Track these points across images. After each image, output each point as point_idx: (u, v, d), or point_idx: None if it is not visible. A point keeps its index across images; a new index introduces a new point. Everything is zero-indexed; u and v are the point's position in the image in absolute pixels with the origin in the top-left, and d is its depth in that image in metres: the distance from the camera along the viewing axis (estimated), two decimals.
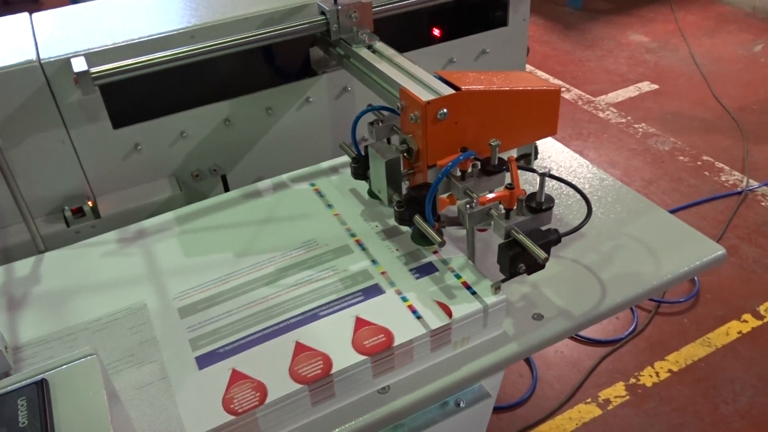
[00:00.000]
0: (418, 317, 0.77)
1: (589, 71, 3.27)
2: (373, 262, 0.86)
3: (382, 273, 0.84)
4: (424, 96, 0.82)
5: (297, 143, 1.20)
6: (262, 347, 0.74)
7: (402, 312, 0.78)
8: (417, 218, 0.82)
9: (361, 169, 0.94)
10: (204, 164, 1.14)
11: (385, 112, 0.99)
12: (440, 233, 0.85)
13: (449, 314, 0.77)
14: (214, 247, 0.92)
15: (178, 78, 1.06)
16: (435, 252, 0.87)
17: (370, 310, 0.78)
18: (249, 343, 0.75)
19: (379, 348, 0.73)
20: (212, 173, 1.15)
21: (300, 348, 0.73)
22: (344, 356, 0.73)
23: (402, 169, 0.88)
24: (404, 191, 0.89)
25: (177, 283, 0.85)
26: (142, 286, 0.85)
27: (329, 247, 0.89)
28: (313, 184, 1.03)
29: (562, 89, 3.12)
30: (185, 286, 0.84)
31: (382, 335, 0.75)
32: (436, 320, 0.76)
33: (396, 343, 0.74)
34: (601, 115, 2.89)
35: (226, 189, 1.18)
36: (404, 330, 0.75)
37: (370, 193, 0.98)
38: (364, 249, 0.88)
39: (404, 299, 0.80)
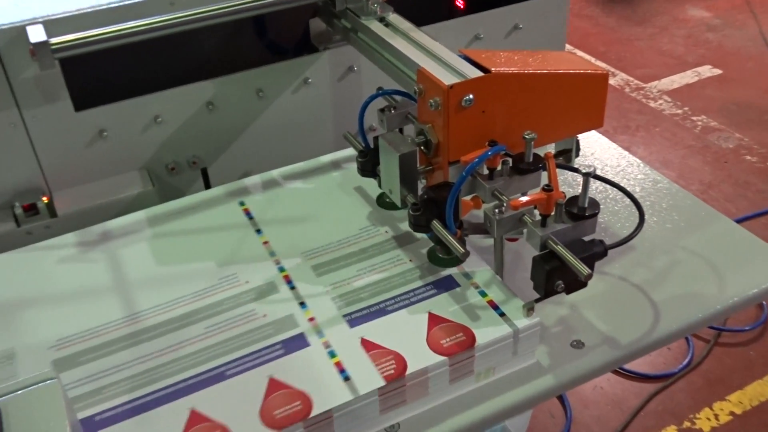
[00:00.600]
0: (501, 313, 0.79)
1: (639, 52, 3.28)
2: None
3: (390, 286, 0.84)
4: (447, 79, 0.83)
5: (292, 132, 1.21)
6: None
7: (414, 332, 0.78)
8: (436, 224, 0.83)
9: (369, 164, 0.95)
10: (181, 155, 1.15)
11: (399, 98, 0.99)
12: (463, 242, 0.85)
13: (472, 339, 0.77)
14: (190, 254, 0.92)
15: (153, 52, 1.07)
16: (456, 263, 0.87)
17: (374, 329, 0.78)
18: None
19: (387, 377, 0.73)
20: (191, 166, 1.16)
21: (274, 385, 0.73)
22: (346, 387, 0.73)
23: (418, 165, 0.88)
24: (420, 191, 0.90)
25: (148, 297, 0.85)
26: (105, 300, 0.86)
27: (362, 245, 0.89)
28: (307, 183, 1.03)
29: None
30: (158, 300, 0.85)
31: (391, 358, 0.75)
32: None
33: (408, 371, 0.73)
34: (652, 104, 2.90)
35: (207, 185, 1.18)
36: (417, 355, 0.75)
37: (379, 199, 0.98)
38: (365, 257, 0.88)
39: (483, 294, 0.81)
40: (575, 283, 0.78)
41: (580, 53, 3.31)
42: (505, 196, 0.83)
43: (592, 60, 3.22)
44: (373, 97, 0.97)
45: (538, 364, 0.81)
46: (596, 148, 1.16)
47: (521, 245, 0.94)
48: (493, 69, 0.83)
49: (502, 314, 0.80)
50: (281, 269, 0.87)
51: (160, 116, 1.11)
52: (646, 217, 1.00)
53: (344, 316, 0.80)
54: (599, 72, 0.89)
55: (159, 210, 1.00)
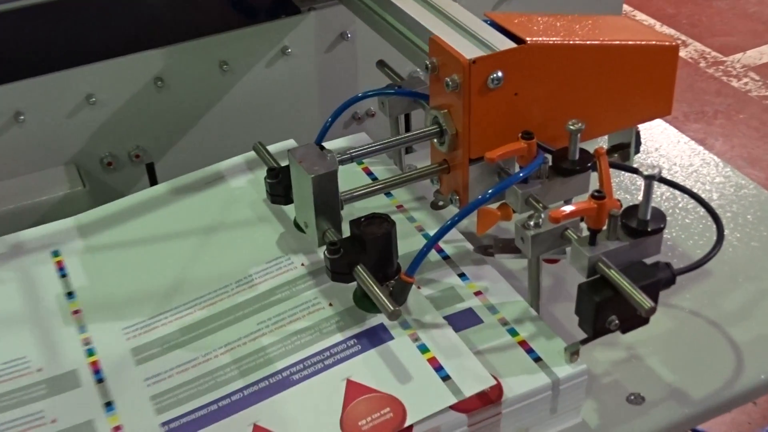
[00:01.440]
0: (445, 377, 0.77)
1: (718, 15, 3.28)
2: None
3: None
4: (468, 51, 0.83)
5: (266, 117, 1.21)
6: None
7: (420, 370, 0.79)
8: (360, 270, 0.81)
9: (281, 187, 0.93)
10: (121, 146, 1.15)
11: (405, 74, 1.00)
12: (401, 291, 0.83)
13: (499, 391, 0.77)
14: (133, 271, 0.93)
15: (85, 14, 1.08)
16: (478, 293, 0.87)
17: (368, 367, 0.79)
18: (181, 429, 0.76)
19: (382, 430, 0.74)
20: (133, 160, 1.16)
21: None
22: None
23: (427, 164, 0.89)
24: (430, 197, 0.90)
25: (75, 329, 0.86)
26: (19, 331, 0.86)
27: (308, 268, 0.90)
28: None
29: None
30: (87, 335, 0.85)
31: (388, 409, 0.76)
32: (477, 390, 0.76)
33: (409, 421, 0.74)
34: (734, 83, 2.90)
35: (154, 184, 1.18)
36: (424, 401, 0.76)
37: (296, 224, 0.95)
38: (272, 303, 0.89)
39: (423, 349, 0.80)
40: (634, 320, 0.78)
41: (641, 17, 3.32)
42: (542, 204, 0.83)
43: (657, 26, 3.23)
44: (349, 103, 0.97)
45: (584, 426, 0.81)
46: (662, 142, 1.17)
47: (563, 269, 0.94)
48: (528, 39, 0.84)
49: (537, 359, 0.80)
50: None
51: (94, 96, 1.11)
52: (726, 232, 1.00)
53: (253, 384, 0.80)
54: (667, 43, 0.89)
55: (91, 216, 1.00)
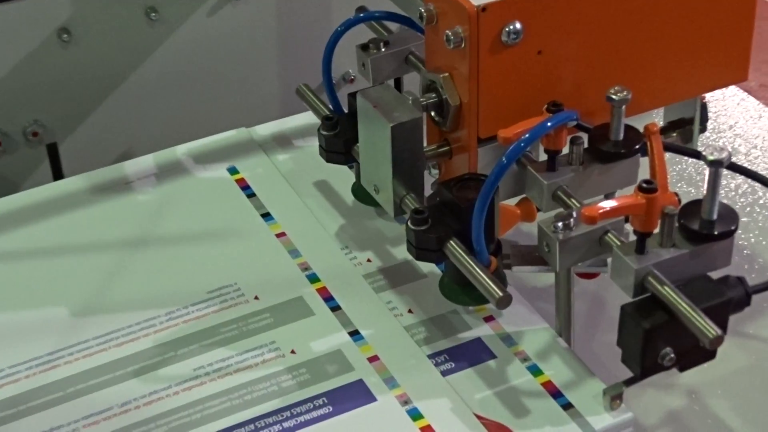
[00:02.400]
0: None
1: None
2: (355, 335, 0.88)
3: (372, 359, 0.86)
4: None
5: (209, 82, 1.22)
6: None
7: None
8: (453, 246, 0.84)
9: (339, 141, 0.96)
10: (13, 121, 1.16)
11: (395, 25, 1.00)
12: (501, 280, 0.86)
13: None
14: (30, 294, 0.94)
15: None
16: (489, 318, 0.89)
17: None
18: None
19: None
20: (29, 140, 1.17)
21: None
22: None
23: (424, 144, 0.90)
24: (429, 190, 0.92)
25: None
26: None
27: (263, 302, 0.91)
28: (234, 170, 1.06)
29: None
30: None
31: None
32: None
33: None
34: None
35: (58, 173, 1.19)
36: None
37: (357, 191, 1.00)
38: (335, 308, 0.91)
39: (414, 414, 0.81)
40: (695, 353, 0.79)
41: None
42: (575, 199, 0.84)
43: None
44: (349, 24, 0.98)
45: None
46: (738, 117, 1.18)
47: (604, 285, 0.95)
48: None
49: (567, 406, 0.81)
50: (312, 277, 0.94)
51: None
52: None
53: None
54: None
55: None
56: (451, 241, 0.84)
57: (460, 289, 0.88)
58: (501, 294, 0.80)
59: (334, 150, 0.97)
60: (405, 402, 0.83)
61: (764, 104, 1.20)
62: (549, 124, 0.82)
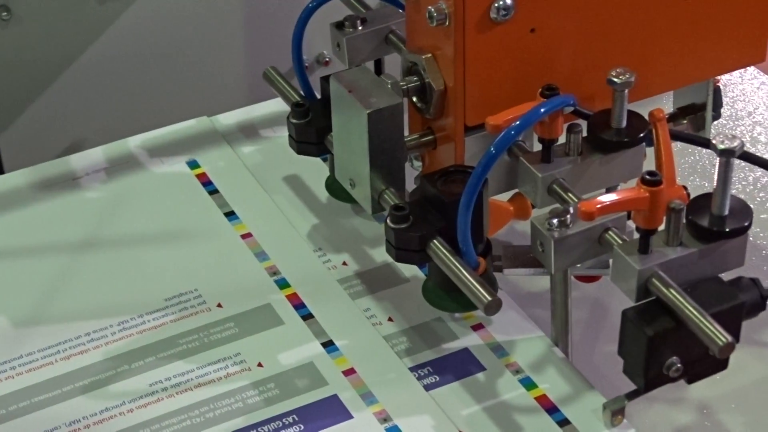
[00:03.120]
0: None
1: None
2: (329, 346, 0.89)
3: (348, 372, 0.87)
4: None
5: (166, 66, 1.23)
6: None
7: None
8: (437, 246, 0.85)
9: (311, 130, 0.97)
10: None
11: (374, 1, 1.01)
12: (491, 283, 0.87)
13: None
14: None
15: None
16: (477, 326, 0.90)
17: None
18: None
19: None
20: None
21: None
22: None
23: (406, 132, 0.90)
24: (412, 184, 0.92)
25: None
26: None
27: (227, 311, 0.92)
28: (195, 164, 1.07)
29: None
30: None
31: None
32: None
33: None
34: None
35: None
36: None
37: (332, 186, 1.00)
38: (307, 316, 0.92)
39: None
40: (705, 363, 0.79)
41: None
42: (572, 193, 0.85)
43: None
44: (321, 1, 0.99)
45: None
46: (758, 103, 1.18)
47: (606, 290, 0.96)
48: None
49: (563, 422, 0.82)
50: (281, 282, 0.94)
51: None
52: None
53: None
54: None
55: None
56: (435, 241, 0.84)
57: (445, 294, 0.88)
58: (490, 298, 0.80)
59: (305, 140, 0.97)
60: (384, 419, 0.83)
61: None
62: (543, 110, 0.83)
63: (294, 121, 0.97)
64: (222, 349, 0.89)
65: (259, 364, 0.88)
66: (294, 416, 0.84)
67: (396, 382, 0.86)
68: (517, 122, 0.82)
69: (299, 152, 0.98)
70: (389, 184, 0.89)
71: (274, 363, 0.88)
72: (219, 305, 0.93)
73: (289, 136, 0.98)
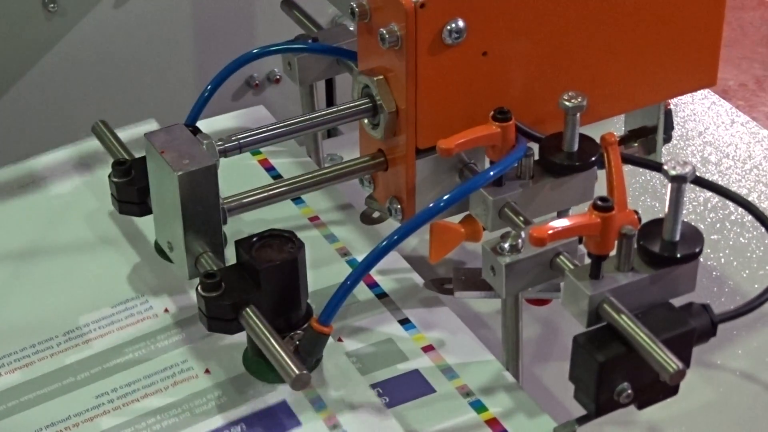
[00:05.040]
0: None
1: None
2: None
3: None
4: None
5: (114, 82, 1.23)
6: None
7: None
8: (249, 314, 0.83)
9: (133, 189, 0.94)
10: None
11: (327, 19, 1.02)
12: (308, 352, 0.85)
13: None
14: None
15: None
16: (428, 348, 0.90)
17: None
18: None
19: None
20: None
21: None
22: None
23: (356, 155, 0.91)
24: (362, 205, 0.93)
25: None
26: None
27: (175, 316, 0.92)
28: None
29: None
30: None
31: None
32: None
33: None
34: None
35: None
36: None
37: (157, 246, 0.97)
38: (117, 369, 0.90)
39: None
40: (655, 389, 0.80)
41: None
42: (523, 217, 0.85)
43: None
44: (239, 64, 0.99)
45: None
46: (710, 123, 1.20)
47: (558, 313, 0.97)
48: None
49: None
50: None
51: None
52: None
53: None
54: None
55: None
56: (248, 309, 0.83)
57: (263, 362, 0.86)
58: (297, 372, 0.79)
59: (127, 200, 0.95)
60: (333, 426, 0.83)
61: (746, 104, 1.21)
62: (491, 173, 0.84)
63: (115, 180, 0.94)
64: (168, 357, 0.89)
65: (207, 371, 0.88)
66: (243, 424, 0.84)
67: (351, 390, 0.86)
68: (446, 197, 0.83)
69: (121, 212, 0.96)
70: (207, 248, 0.88)
71: (221, 370, 0.88)
72: (166, 310, 0.93)
73: (111, 194, 0.96)
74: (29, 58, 1.19)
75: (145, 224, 0.99)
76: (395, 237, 0.83)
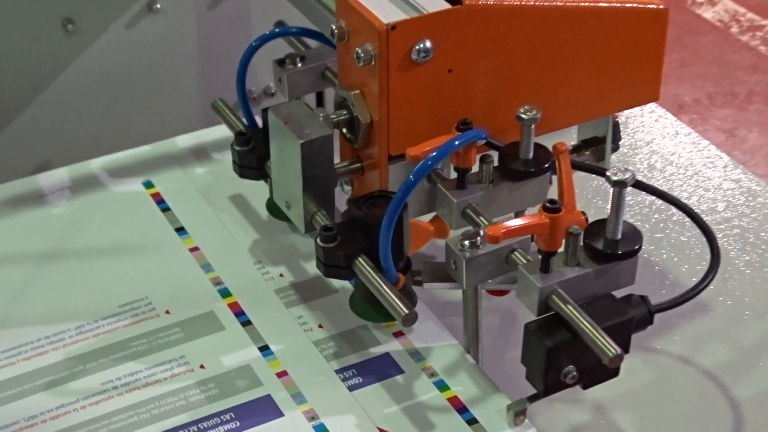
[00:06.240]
0: None
1: None
2: (265, 350, 0.89)
3: (281, 374, 0.87)
4: (386, 13, 0.84)
5: (126, 95, 1.22)
6: None
7: None
8: (362, 263, 0.85)
9: (253, 156, 0.97)
10: None
11: (312, 42, 1.01)
12: (410, 297, 0.87)
13: None
14: None
15: None
16: (398, 334, 0.90)
17: None
18: None
19: None
20: None
21: None
22: None
23: (336, 161, 0.91)
24: (342, 208, 0.92)
25: None
26: None
27: (174, 317, 0.93)
28: (149, 184, 1.07)
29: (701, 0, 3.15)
30: None
31: None
32: None
33: None
34: None
35: None
36: None
37: (271, 206, 1.01)
38: (246, 323, 0.92)
39: (320, 430, 0.83)
40: (598, 371, 0.80)
41: None
42: (483, 217, 0.85)
43: None
44: (264, 39, 0.99)
45: None
46: (656, 134, 1.19)
47: (515, 302, 0.94)
48: None
49: (472, 421, 0.82)
50: (224, 291, 0.94)
51: None
52: (732, 255, 1.03)
53: None
54: (653, 6, 0.91)
55: None
56: (360, 258, 0.85)
57: (369, 306, 0.89)
58: (407, 311, 0.81)
59: (247, 165, 0.98)
60: (312, 418, 0.83)
61: (698, 117, 1.21)
62: (457, 142, 0.84)
63: (237, 148, 0.97)
64: (168, 352, 0.89)
65: (202, 366, 0.88)
66: (231, 414, 0.84)
67: (323, 384, 0.86)
68: (433, 153, 0.83)
69: (241, 176, 0.99)
70: (320, 207, 0.90)
71: (215, 365, 0.88)
72: (167, 312, 0.93)
73: (233, 161, 0.99)
74: (49, 74, 1.19)
75: (151, 236, 1.01)
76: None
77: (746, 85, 2.80)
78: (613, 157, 1.03)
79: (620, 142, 1.03)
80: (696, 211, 0.91)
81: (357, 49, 0.84)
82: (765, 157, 2.61)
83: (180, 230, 1.01)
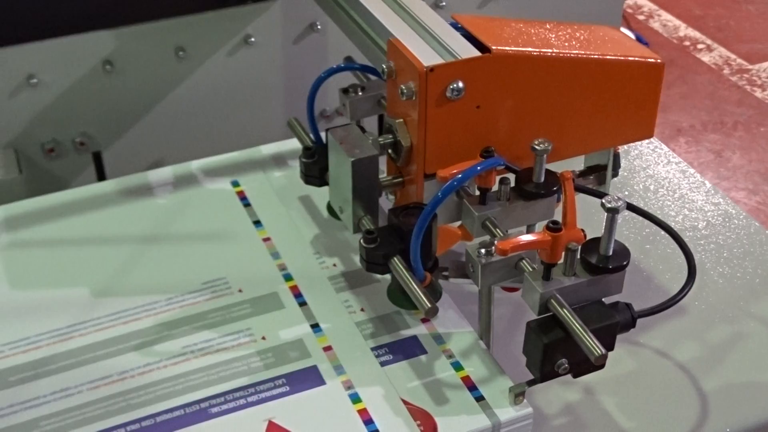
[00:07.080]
0: None
1: (747, 20, 3.25)
2: (315, 327, 0.85)
3: (326, 348, 0.83)
4: (427, 57, 0.81)
5: (225, 110, 1.20)
6: None
7: (347, 421, 0.77)
8: (396, 262, 0.81)
9: (316, 167, 0.94)
10: (65, 132, 1.14)
11: (373, 76, 0.98)
12: (434, 292, 0.84)
13: (432, 431, 0.76)
14: (59, 275, 0.92)
15: None
16: (424, 320, 0.86)
17: (293, 411, 0.78)
18: None
19: None
20: (77, 148, 1.15)
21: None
22: None
23: (382, 175, 0.88)
24: (386, 213, 0.89)
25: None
26: None
27: (245, 295, 0.88)
28: (236, 183, 1.03)
29: (701, 46, 3.10)
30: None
31: None
32: None
33: None
34: (758, 94, 2.88)
35: (101, 176, 1.17)
36: None
37: (329, 208, 0.97)
38: (302, 303, 0.88)
39: (355, 398, 0.79)
40: (586, 364, 0.76)
41: (666, 17, 3.28)
42: (500, 229, 0.81)
43: (683, 27, 3.20)
44: (330, 72, 0.96)
45: None
46: (651, 161, 1.15)
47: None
48: (494, 47, 0.81)
49: (480, 398, 0.79)
50: (287, 276, 0.91)
51: (36, 76, 1.09)
52: (708, 266, 1.00)
53: None
54: (652, 59, 0.87)
55: (23, 207, 0.99)
56: (395, 258, 0.82)
57: (402, 296, 0.86)
58: (429, 306, 0.78)
59: (311, 175, 0.95)
60: (348, 387, 0.79)
61: (693, 140, 1.17)
62: (479, 168, 0.80)
63: (304, 160, 0.95)
64: (238, 324, 0.85)
65: (263, 338, 0.84)
66: (283, 380, 0.80)
67: (360, 359, 0.82)
68: (459, 176, 0.80)
69: (306, 183, 0.96)
70: (366, 212, 0.87)
71: (274, 337, 0.84)
72: (240, 290, 0.89)
73: (300, 170, 0.95)
74: (163, 91, 1.18)
75: (233, 226, 0.98)
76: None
77: (733, 116, 2.80)
78: (614, 180, 0.99)
79: (621, 168, 0.99)
80: (680, 227, 0.89)
81: (402, 85, 0.81)
82: (744, 174, 2.60)
83: (257, 223, 0.97)
